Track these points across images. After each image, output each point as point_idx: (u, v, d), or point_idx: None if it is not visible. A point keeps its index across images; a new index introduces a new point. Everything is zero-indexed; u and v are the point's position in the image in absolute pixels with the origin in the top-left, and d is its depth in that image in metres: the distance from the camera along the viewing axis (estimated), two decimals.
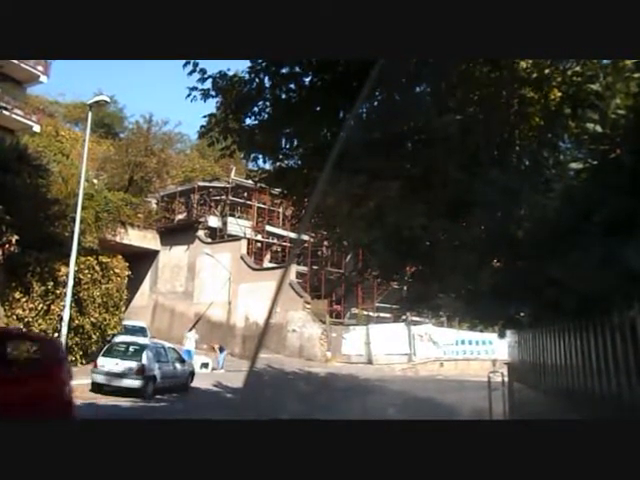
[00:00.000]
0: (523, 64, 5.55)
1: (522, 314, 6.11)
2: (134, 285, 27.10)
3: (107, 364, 14.50)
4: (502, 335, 9.54)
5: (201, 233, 32.70)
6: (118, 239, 27.88)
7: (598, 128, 3.02)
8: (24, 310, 16.71)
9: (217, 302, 29.53)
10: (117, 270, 20.90)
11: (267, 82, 6.78)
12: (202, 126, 7.43)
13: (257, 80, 6.76)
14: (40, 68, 25.44)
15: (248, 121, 7.24)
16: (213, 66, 6.85)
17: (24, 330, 14.82)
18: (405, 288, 9.49)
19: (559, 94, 5.68)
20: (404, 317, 27.58)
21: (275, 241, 34.49)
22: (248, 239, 32.19)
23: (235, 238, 31.73)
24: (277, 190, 9.38)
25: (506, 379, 8.76)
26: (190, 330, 24.73)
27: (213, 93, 6.93)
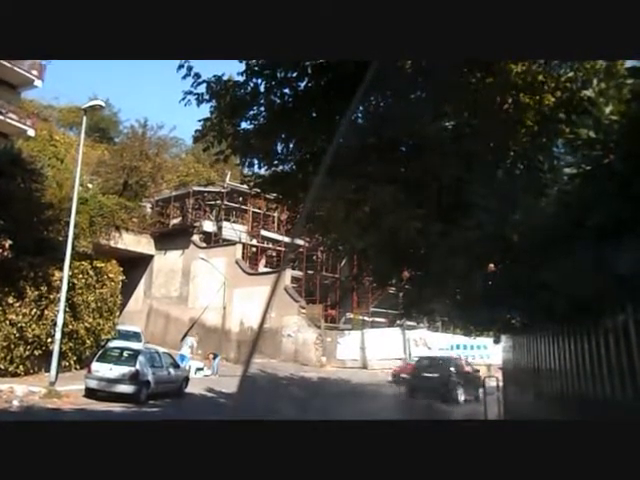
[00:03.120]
0: (517, 69, 5.58)
1: (516, 319, 6.12)
2: (128, 290, 27.02)
3: (101, 369, 14.42)
4: (497, 340, 9.56)
5: (196, 238, 32.62)
6: (112, 244, 27.79)
7: (591, 134, 3.04)
8: (17, 315, 16.60)
9: (212, 307, 29.44)
10: (111, 275, 20.83)
11: (262, 87, 6.78)
12: (197, 130, 7.43)
13: (252, 84, 6.76)
14: (34, 72, 25.38)
15: (243, 125, 7.24)
16: (208, 70, 6.86)
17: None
18: (400, 294, 9.49)
19: (553, 100, 5.72)
20: (399, 322, 27.59)
21: (270, 246, 34.47)
22: (243, 244, 32.14)
23: (230, 243, 31.68)
24: (272, 195, 9.38)
25: (501, 383, 8.77)
26: (186, 335, 24.64)
27: (207, 97, 6.93)
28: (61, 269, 16.45)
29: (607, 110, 2.96)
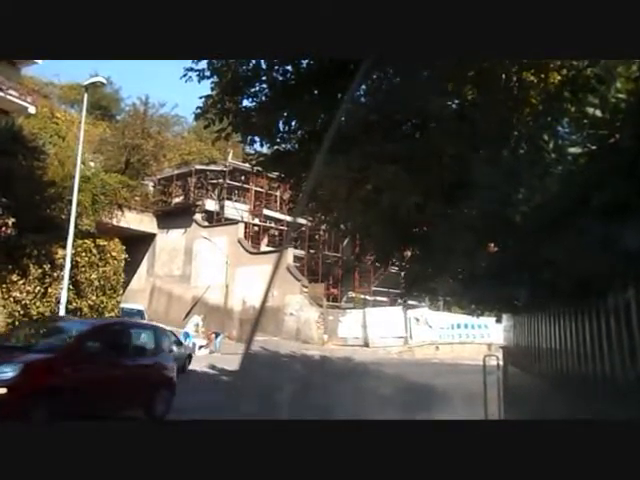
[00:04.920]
0: None
1: (518, 298, 6.13)
2: (131, 268, 27.13)
3: None
4: (499, 319, 9.58)
5: (198, 216, 32.65)
6: (115, 222, 27.81)
7: (598, 112, 3.00)
8: (21, 293, 16.71)
9: (214, 285, 29.58)
10: (114, 253, 20.89)
11: (263, 64, 6.70)
12: (198, 107, 7.37)
13: (253, 62, 6.68)
14: None
15: (245, 102, 7.18)
16: None
17: None
18: (402, 274, 9.51)
19: (558, 78, 5.64)
20: (400, 301, 27.72)
21: (272, 225, 34.47)
22: (245, 223, 32.17)
23: (232, 222, 31.70)
24: (275, 174, 9.35)
25: (501, 363, 8.82)
26: (189, 314, 24.79)
27: (208, 73, 6.85)
28: (64, 247, 16.51)
29: (614, 88, 2.92)
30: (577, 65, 5.29)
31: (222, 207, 33.50)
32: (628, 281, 2.84)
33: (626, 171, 2.58)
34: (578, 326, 3.83)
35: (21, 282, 16.81)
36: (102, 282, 19.86)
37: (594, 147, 3.05)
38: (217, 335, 23.55)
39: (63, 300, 15.82)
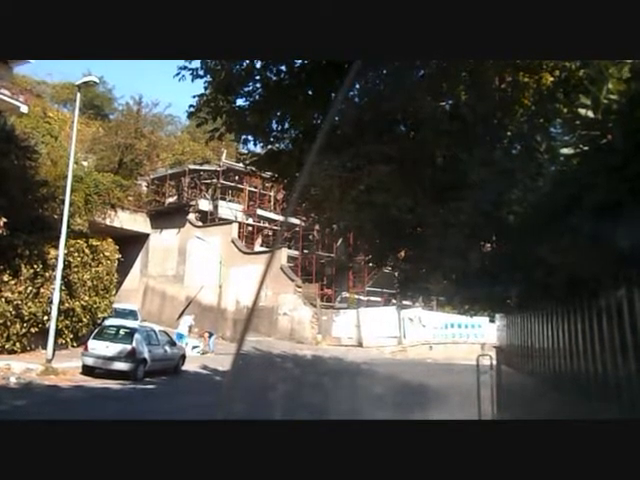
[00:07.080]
0: None
1: (511, 298, 6.15)
2: (124, 268, 27.01)
3: (98, 347, 14.50)
4: (492, 319, 9.62)
5: (192, 216, 32.55)
6: (108, 222, 27.71)
7: (590, 113, 3.01)
8: (13, 293, 16.59)
9: (208, 285, 29.50)
10: (107, 253, 20.81)
11: (257, 63, 6.69)
12: (191, 105, 7.35)
13: (247, 61, 6.67)
14: None
15: (239, 102, 7.17)
16: None
17: None
18: (396, 274, 9.52)
19: (551, 79, 5.67)
20: (394, 301, 27.76)
21: (266, 225, 34.42)
22: (239, 223, 32.10)
23: (226, 222, 31.63)
24: (268, 173, 9.33)
25: (494, 362, 8.85)
26: (182, 314, 24.70)
27: (202, 72, 6.83)
28: (56, 247, 16.40)
29: (606, 89, 2.93)
30: (569, 66, 5.31)
31: (216, 207, 33.41)
32: (620, 280, 2.86)
33: (618, 172, 2.59)
34: (570, 325, 3.85)
35: (13, 282, 16.69)
36: (95, 282, 19.77)
37: (586, 148, 3.06)
38: (210, 335, 23.49)
39: (55, 300, 15.72)
